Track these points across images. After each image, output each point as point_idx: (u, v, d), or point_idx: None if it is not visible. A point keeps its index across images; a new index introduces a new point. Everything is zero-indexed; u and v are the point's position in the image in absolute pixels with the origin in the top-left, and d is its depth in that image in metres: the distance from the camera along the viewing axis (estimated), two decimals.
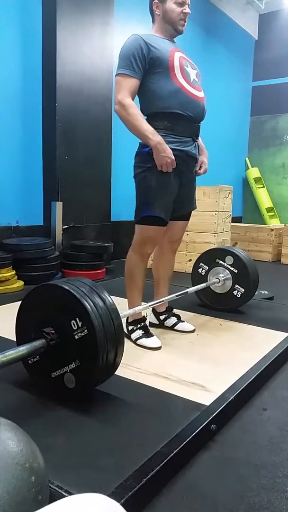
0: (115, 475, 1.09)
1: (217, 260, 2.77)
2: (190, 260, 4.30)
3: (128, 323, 2.18)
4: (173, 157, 1.95)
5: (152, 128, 1.93)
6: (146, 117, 2.02)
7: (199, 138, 2.19)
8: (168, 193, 2.04)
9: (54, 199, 4.00)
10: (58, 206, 3.98)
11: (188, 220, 2.33)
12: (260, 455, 1.32)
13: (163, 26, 2.08)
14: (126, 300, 2.21)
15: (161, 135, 1.94)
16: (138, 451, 1.21)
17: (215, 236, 4.37)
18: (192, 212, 2.34)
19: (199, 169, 2.20)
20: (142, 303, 2.21)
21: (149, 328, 2.20)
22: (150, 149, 1.95)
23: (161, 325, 2.38)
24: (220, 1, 6.60)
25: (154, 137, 1.91)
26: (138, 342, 2.10)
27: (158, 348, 2.06)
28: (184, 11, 2.04)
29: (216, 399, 1.54)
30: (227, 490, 1.16)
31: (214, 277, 2.78)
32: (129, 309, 2.12)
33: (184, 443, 1.25)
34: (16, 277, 3.47)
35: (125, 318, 2.16)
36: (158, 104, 1.98)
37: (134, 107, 1.92)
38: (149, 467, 1.13)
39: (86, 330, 1.38)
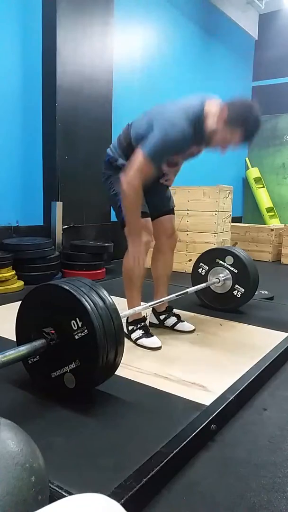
0: (115, 475, 1.09)
1: (217, 260, 2.77)
2: (190, 260, 4.30)
3: (128, 323, 2.18)
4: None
5: (140, 228, 2.02)
6: (124, 144, 2.07)
7: None
8: None
9: (54, 199, 4.00)
10: (58, 206, 3.98)
11: (173, 213, 2.38)
12: (260, 455, 1.32)
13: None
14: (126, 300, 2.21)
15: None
16: (138, 451, 1.21)
17: (215, 236, 4.37)
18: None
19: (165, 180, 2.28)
20: (142, 303, 2.20)
21: (149, 328, 2.20)
22: (109, 159, 2.10)
23: (161, 325, 2.38)
24: (220, 1, 6.60)
25: (136, 234, 2.00)
26: (138, 342, 2.10)
27: (158, 348, 2.06)
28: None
29: (216, 399, 1.54)
30: (227, 490, 1.16)
31: (214, 277, 2.77)
32: (128, 309, 2.12)
33: (184, 443, 1.25)
34: (16, 277, 3.47)
35: (125, 318, 2.16)
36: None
37: (140, 195, 1.94)
38: (149, 467, 1.13)
39: (86, 330, 1.38)
